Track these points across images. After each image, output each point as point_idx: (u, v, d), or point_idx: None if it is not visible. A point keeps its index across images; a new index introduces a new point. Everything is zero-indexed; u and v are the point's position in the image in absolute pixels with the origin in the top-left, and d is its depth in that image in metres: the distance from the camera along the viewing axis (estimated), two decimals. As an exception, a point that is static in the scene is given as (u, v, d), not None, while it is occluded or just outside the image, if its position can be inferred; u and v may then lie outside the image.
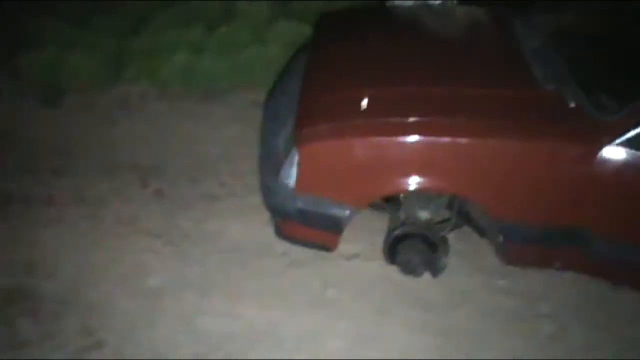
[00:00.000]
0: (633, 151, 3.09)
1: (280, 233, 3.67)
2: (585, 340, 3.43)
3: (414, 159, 3.29)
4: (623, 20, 3.77)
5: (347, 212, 3.39)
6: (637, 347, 3.40)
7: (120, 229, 4.05)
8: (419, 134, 3.24)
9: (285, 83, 4.08)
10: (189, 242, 3.95)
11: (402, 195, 3.59)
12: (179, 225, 4.05)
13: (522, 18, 4.10)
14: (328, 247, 3.58)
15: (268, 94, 4.25)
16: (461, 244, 3.90)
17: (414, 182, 3.30)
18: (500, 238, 3.45)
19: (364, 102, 3.39)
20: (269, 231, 3.85)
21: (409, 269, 3.66)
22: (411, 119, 3.28)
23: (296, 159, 3.34)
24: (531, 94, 3.41)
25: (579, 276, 3.59)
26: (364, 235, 3.91)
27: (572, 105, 3.27)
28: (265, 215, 3.87)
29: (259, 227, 4.00)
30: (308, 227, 3.51)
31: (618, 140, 3.09)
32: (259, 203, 4.03)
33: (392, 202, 3.74)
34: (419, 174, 3.30)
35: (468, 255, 3.87)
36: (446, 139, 3.24)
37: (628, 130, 3.08)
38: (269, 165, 3.59)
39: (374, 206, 3.77)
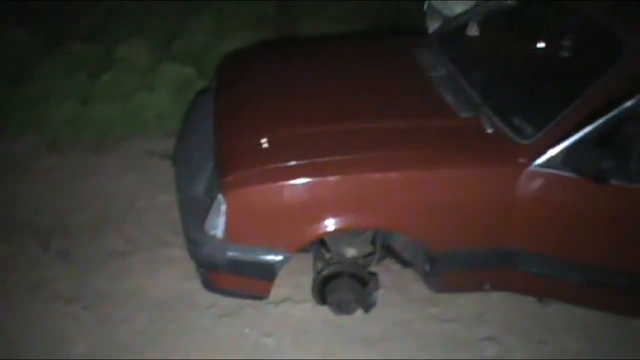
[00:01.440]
0: (552, 171, 3.17)
1: (209, 285, 3.51)
2: (531, 357, 3.51)
3: (339, 198, 3.23)
4: (528, 39, 3.90)
5: (280, 258, 3.29)
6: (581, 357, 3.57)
7: (31, 296, 3.74)
8: (342, 172, 3.20)
9: (194, 128, 3.95)
10: (109, 303, 3.70)
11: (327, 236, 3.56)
12: (93, 287, 3.80)
13: (423, 48, 4.16)
14: (261, 295, 3.47)
15: (177, 142, 4.13)
16: (386, 277, 3.87)
17: (341, 221, 3.25)
18: (428, 267, 3.46)
19: (265, 142, 3.32)
20: (190, 284, 3.73)
21: (342, 308, 3.60)
22: (335, 158, 3.24)
23: (223, 207, 3.20)
24: (448, 123, 3.46)
25: (507, 294, 3.66)
26: (288, 278, 3.79)
27: (490, 130, 3.34)
28: (183, 267, 3.76)
29: (178, 280, 3.84)
30: (240, 276, 3.38)
31: (537, 162, 3.17)
32: (172, 255, 3.96)
33: (315, 242, 3.61)
34: (347, 212, 3.25)
35: (395, 287, 3.85)
36: (369, 175, 3.22)
37: (546, 151, 3.16)
38: (191, 216, 3.44)
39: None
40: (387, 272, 3.91)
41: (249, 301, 3.67)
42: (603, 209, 3.24)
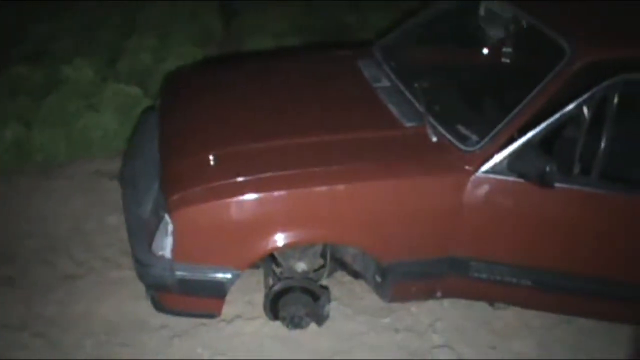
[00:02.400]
0: (498, 176, 3.17)
1: (160, 306, 3.42)
2: None
3: (287, 213, 3.19)
4: (470, 47, 3.97)
5: (230, 275, 3.22)
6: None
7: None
8: (288, 187, 3.15)
9: (138, 148, 3.85)
10: (58, 329, 3.57)
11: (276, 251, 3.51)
12: (40, 314, 3.67)
13: (367, 59, 4.13)
14: (213, 314, 3.41)
15: (122, 163, 4.00)
16: (337, 289, 3.85)
17: (290, 236, 3.20)
18: (378, 278, 3.45)
19: (211, 160, 3.26)
20: (141, 305, 3.65)
21: (294, 323, 3.54)
22: (282, 173, 3.19)
23: (169, 227, 3.13)
24: (392, 133, 3.43)
25: (459, 301, 3.68)
26: (240, 295, 3.76)
27: (434, 139, 3.33)
28: (134, 288, 3.67)
29: (129, 302, 3.74)
30: (190, 296, 3.30)
31: (483, 168, 3.17)
32: (122, 277, 3.87)
33: (265, 257, 3.54)
34: (294, 227, 3.21)
35: (347, 299, 3.82)
36: (315, 189, 3.17)
37: (491, 158, 3.16)
38: (139, 238, 3.35)
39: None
40: (339, 285, 3.90)
41: (202, 320, 3.61)
42: (550, 213, 3.26)
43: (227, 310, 3.49)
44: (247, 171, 3.20)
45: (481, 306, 3.78)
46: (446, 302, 3.79)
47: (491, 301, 3.74)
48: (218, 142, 3.44)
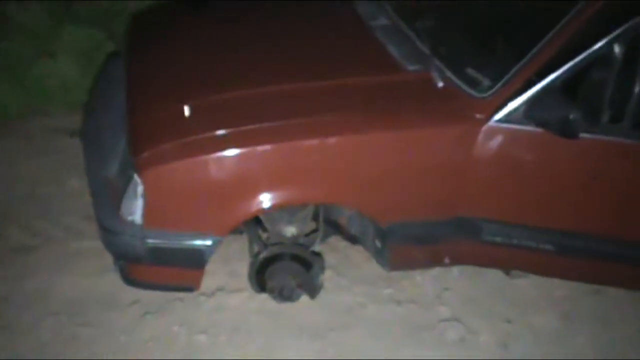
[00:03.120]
0: (514, 126, 3.08)
1: (130, 279, 3.35)
2: (496, 338, 3.48)
3: (274, 169, 3.11)
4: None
5: (210, 242, 3.14)
6: (551, 337, 3.49)
7: None
8: (275, 140, 3.06)
9: (102, 100, 3.76)
10: (12, 309, 3.49)
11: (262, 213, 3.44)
12: (-7, 291, 3.71)
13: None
14: (191, 287, 3.34)
15: (84, 117, 3.91)
16: (332, 257, 3.82)
17: (277, 196, 3.12)
18: (378, 243, 3.40)
19: (185, 111, 3.15)
20: (109, 279, 3.56)
21: (284, 295, 3.49)
22: (267, 124, 3.10)
23: (139, 189, 3.02)
24: (392, 79, 3.34)
25: (470, 269, 3.65)
26: (221, 265, 3.73)
27: (441, 85, 3.22)
28: (99, 260, 3.62)
29: (93, 276, 3.68)
30: (164, 266, 3.22)
31: (497, 117, 3.06)
32: (85, 248, 3.83)
33: (249, 221, 3.51)
34: (282, 186, 3.13)
35: (343, 268, 3.81)
36: (306, 142, 3.09)
37: (505, 105, 3.06)
38: (104, 202, 3.25)
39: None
40: (334, 251, 3.89)
41: (178, 294, 3.58)
42: (573, 167, 3.19)
43: (207, 282, 3.46)
44: (228, 123, 3.11)
45: (495, 274, 3.76)
46: (455, 270, 3.77)
47: (507, 269, 3.73)
48: (194, 91, 3.35)
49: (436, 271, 3.75)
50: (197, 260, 3.22)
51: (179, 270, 3.28)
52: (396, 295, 3.67)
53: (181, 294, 3.58)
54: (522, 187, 3.23)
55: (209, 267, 3.30)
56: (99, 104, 3.79)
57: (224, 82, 3.41)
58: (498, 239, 3.31)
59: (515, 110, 3.07)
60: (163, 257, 3.21)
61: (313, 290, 3.56)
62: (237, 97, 3.28)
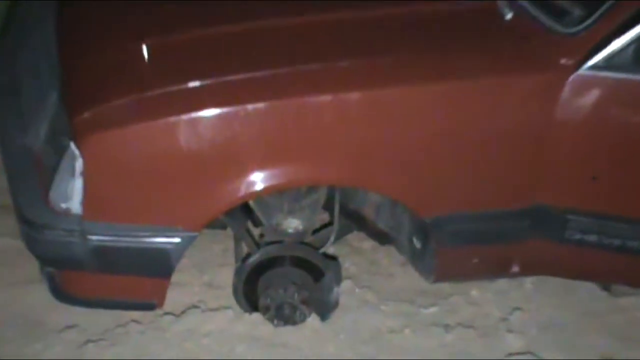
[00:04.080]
0: (617, 75, 3.03)
1: (63, 294, 3.34)
2: None
3: (270, 137, 3.05)
4: None
5: (178, 240, 3.09)
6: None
7: None
8: (272, 95, 3.00)
9: (20, 41, 3.76)
10: None
11: (251, 200, 3.40)
12: None
13: None
14: (152, 303, 3.29)
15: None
16: (352, 261, 3.86)
17: (275, 175, 3.07)
18: (418, 243, 3.36)
19: (146, 52, 3.17)
20: (31, 293, 3.61)
21: (283, 316, 3.48)
22: (257, 73, 3.06)
23: (78, 164, 2.95)
24: (440, 9, 3.35)
25: (547, 281, 3.69)
26: (192, 273, 3.78)
27: (509, 17, 3.21)
28: (17, 267, 3.72)
29: (9, 289, 3.70)
30: (113, 275, 3.22)
31: (590, 63, 3.02)
32: None
33: (235, 211, 3.48)
34: (281, 160, 3.08)
35: (366, 278, 3.85)
36: (317, 98, 3.04)
37: (604, 46, 3.00)
38: (26, 183, 3.20)
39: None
40: (355, 254, 3.95)
41: (133, 314, 3.58)
42: None
43: (175, 297, 3.52)
44: (204, 71, 3.11)
45: (588, 290, 3.78)
46: (529, 283, 3.79)
47: (605, 282, 3.74)
48: (156, 27, 3.38)
49: (501, 284, 3.77)
50: (160, 265, 3.19)
51: (134, 280, 3.26)
52: (443, 317, 3.67)
53: (138, 314, 3.57)
54: (628, 163, 3.17)
55: (178, 276, 3.37)
56: (16, 47, 3.79)
57: (197, 15, 3.42)
58: (591, 238, 3.29)
59: (619, 53, 3.05)
60: (112, 262, 3.19)
61: (324, 309, 3.57)
62: (216, 35, 3.32)
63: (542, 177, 3.16)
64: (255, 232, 3.58)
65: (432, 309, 3.65)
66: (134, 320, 3.56)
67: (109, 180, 3.02)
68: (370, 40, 3.19)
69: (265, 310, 3.48)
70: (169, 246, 3.12)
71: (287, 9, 3.38)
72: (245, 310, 3.54)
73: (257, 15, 3.31)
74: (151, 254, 3.15)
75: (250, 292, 3.51)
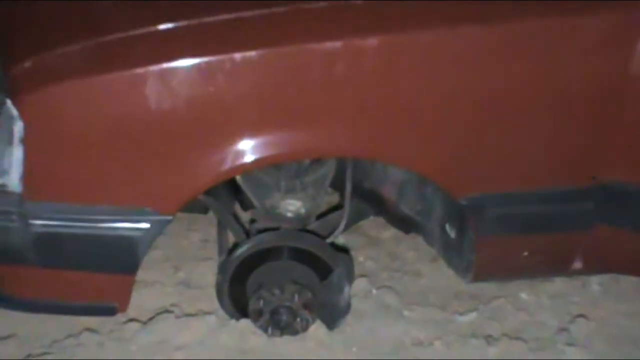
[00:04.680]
0: None
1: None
2: None
3: (263, 95, 2.96)
4: None
5: (147, 226, 3.02)
6: None
7: None
8: (264, 41, 2.93)
9: None
10: None
11: (239, 175, 3.32)
12: None
13: None
14: (112, 306, 3.21)
15: None
16: (367, 255, 3.84)
17: (269, 143, 3.00)
18: (452, 232, 3.33)
19: None
20: None
21: (280, 323, 3.41)
22: (245, 13, 3.04)
23: (17, 128, 2.87)
24: None
25: (618, 281, 3.83)
26: (165, 269, 3.87)
27: None
28: None
29: None
30: (63, 270, 3.14)
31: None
32: None
33: (220, 190, 3.44)
34: (277, 125, 3.01)
35: (386, 276, 3.92)
36: (323, 45, 2.96)
37: None
38: None
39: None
40: (372, 246, 4.03)
41: (88, 321, 3.54)
42: None
43: (142, 299, 3.56)
44: (179, 11, 3.09)
45: None
46: (595, 283, 3.78)
47: None
48: None
49: (559, 285, 3.78)
50: (123, 258, 3.16)
51: (90, 278, 3.21)
52: (485, 326, 3.66)
53: (94, 321, 3.56)
54: None
55: (147, 273, 3.52)
56: None
57: None
58: None
59: None
60: (60, 254, 3.16)
61: (333, 316, 3.55)
62: None
63: (612, 147, 3.10)
64: (245, 217, 3.51)
65: (470, 316, 3.62)
66: (89, 329, 3.53)
67: (56, 149, 2.97)
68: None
69: (256, 316, 3.42)
70: (134, 233, 3.07)
71: None
72: (232, 316, 3.51)
73: None
74: (112, 243, 3.11)
75: (238, 293, 3.46)
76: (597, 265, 3.35)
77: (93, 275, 3.13)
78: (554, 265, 3.37)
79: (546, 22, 2.95)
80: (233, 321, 3.52)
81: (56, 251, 3.08)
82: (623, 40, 2.94)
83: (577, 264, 3.30)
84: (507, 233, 3.23)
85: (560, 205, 3.19)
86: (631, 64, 2.93)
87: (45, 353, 3.49)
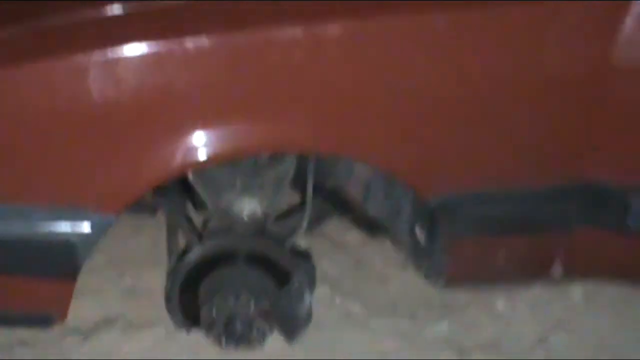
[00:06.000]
0: None
1: None
2: None
3: (217, 84, 2.88)
4: None
5: (88, 229, 2.91)
6: None
7: None
8: (219, 26, 2.85)
9: None
10: None
11: (192, 172, 3.26)
12: None
13: None
14: (51, 316, 3.12)
15: None
16: (330, 260, 3.95)
17: (223, 137, 2.93)
18: (422, 234, 3.34)
19: None
20: None
21: (234, 334, 3.32)
22: None
23: None
24: None
25: (602, 290, 3.70)
26: (108, 276, 3.79)
27: None
28: None
29: None
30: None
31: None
32: None
33: (169, 189, 3.39)
34: (233, 116, 2.92)
35: (350, 283, 3.89)
36: (282, 31, 2.87)
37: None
38: None
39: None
40: (335, 249, 4.02)
41: (22, 334, 3.52)
42: None
43: (83, 308, 3.46)
44: None
45: None
46: (577, 291, 3.78)
47: None
48: None
49: (538, 292, 3.75)
50: (61, 263, 3.09)
51: (23, 283, 3.14)
52: (457, 336, 3.64)
53: (27, 333, 3.52)
54: None
55: (88, 279, 3.41)
56: None
57: None
58: None
59: None
60: None
61: (292, 326, 3.49)
62: None
63: (594, 144, 3.04)
64: (197, 218, 3.46)
65: (442, 326, 3.61)
66: (21, 342, 3.51)
67: None
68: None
69: (209, 327, 3.35)
70: (74, 236, 2.95)
71: None
72: (182, 327, 3.45)
73: None
74: (49, 246, 3.02)
75: (189, 301, 3.42)
76: (579, 269, 3.29)
77: (28, 280, 3.06)
78: (532, 270, 3.31)
79: (515, 6, 2.87)
80: (183, 332, 3.42)
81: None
82: (606, 25, 2.87)
83: (557, 269, 3.24)
84: (481, 235, 3.17)
85: (538, 205, 3.13)
86: (615, 51, 2.86)
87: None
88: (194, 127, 2.88)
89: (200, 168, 3.14)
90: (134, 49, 2.76)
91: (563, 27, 2.93)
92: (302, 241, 3.50)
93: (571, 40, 2.94)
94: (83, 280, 3.09)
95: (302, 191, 3.47)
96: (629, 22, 2.90)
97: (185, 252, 3.41)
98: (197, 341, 3.44)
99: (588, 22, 2.93)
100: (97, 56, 2.76)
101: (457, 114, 2.99)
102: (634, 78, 2.98)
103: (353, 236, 3.77)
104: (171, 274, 3.36)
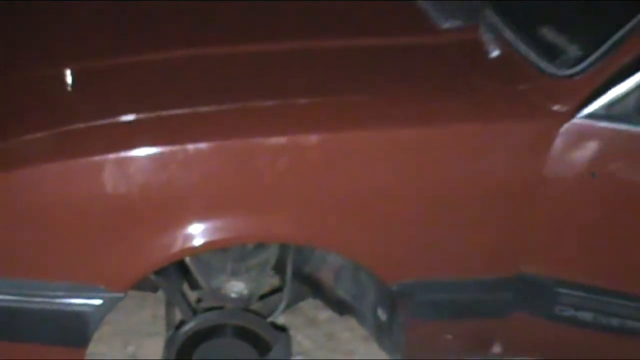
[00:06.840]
0: (620, 126, 3.08)
1: None
2: None
3: (212, 183, 3.08)
4: None
5: (99, 303, 3.09)
6: None
7: None
8: (216, 134, 3.03)
9: None
10: None
11: (189, 257, 3.41)
12: None
13: None
14: None
15: None
16: (305, 334, 3.90)
17: (216, 228, 3.09)
18: (383, 315, 3.42)
19: (70, 79, 3.24)
20: None
21: None
22: (200, 109, 3.11)
23: None
24: (418, 40, 3.45)
25: None
26: (115, 344, 3.84)
27: (495, 54, 3.31)
28: None
29: None
30: (11, 342, 3.20)
31: (587, 111, 3.06)
32: None
33: (169, 271, 3.51)
34: (224, 211, 3.11)
35: (322, 354, 3.85)
36: (269, 140, 3.06)
37: (604, 91, 3.05)
38: None
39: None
40: (310, 326, 4.04)
41: None
42: None
43: None
44: (137, 104, 3.13)
45: None
46: None
47: None
48: (82, 48, 3.41)
49: None
50: (75, 332, 3.19)
51: (39, 350, 3.24)
52: None
53: None
54: (629, 228, 3.22)
55: (96, 347, 3.45)
56: None
57: (131, 38, 3.49)
58: (586, 316, 3.35)
59: (622, 100, 3.08)
60: (10, 327, 3.20)
61: None
62: (152, 63, 3.37)
63: (529, 242, 3.21)
64: (192, 296, 3.58)
65: None
66: None
67: (15, 228, 3.00)
68: (332, 76, 3.24)
69: None
70: (86, 309, 3.09)
71: (235, 36, 3.45)
72: None
73: (200, 41, 3.37)
74: (65, 318, 3.13)
75: None
76: (515, 349, 3.45)
77: (44, 348, 3.18)
78: (476, 348, 3.46)
79: (467, 127, 3.05)
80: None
81: (8, 324, 3.13)
82: (538, 145, 3.04)
83: (497, 349, 3.42)
84: (433, 318, 3.33)
85: (482, 294, 3.29)
86: (546, 166, 3.02)
87: None
88: (191, 219, 3.04)
89: (196, 254, 3.26)
90: (143, 152, 2.93)
91: (505, 144, 3.10)
92: (280, 317, 3.60)
93: (510, 155, 3.11)
94: (92, 347, 3.19)
95: (282, 275, 3.58)
96: (558, 140, 3.02)
97: (181, 325, 3.48)
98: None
99: (524, 140, 3.10)
100: (111, 157, 2.93)
101: (416, 215, 3.17)
102: (562, 186, 3.08)
103: (324, 314, 3.83)
104: (168, 344, 3.47)
